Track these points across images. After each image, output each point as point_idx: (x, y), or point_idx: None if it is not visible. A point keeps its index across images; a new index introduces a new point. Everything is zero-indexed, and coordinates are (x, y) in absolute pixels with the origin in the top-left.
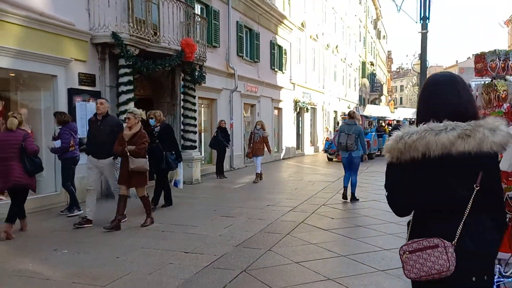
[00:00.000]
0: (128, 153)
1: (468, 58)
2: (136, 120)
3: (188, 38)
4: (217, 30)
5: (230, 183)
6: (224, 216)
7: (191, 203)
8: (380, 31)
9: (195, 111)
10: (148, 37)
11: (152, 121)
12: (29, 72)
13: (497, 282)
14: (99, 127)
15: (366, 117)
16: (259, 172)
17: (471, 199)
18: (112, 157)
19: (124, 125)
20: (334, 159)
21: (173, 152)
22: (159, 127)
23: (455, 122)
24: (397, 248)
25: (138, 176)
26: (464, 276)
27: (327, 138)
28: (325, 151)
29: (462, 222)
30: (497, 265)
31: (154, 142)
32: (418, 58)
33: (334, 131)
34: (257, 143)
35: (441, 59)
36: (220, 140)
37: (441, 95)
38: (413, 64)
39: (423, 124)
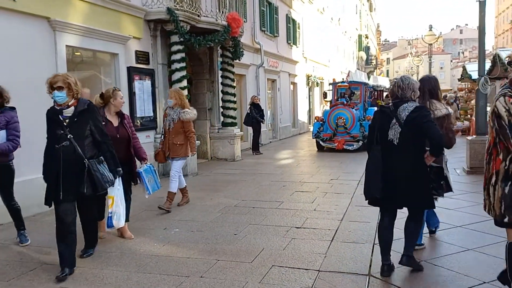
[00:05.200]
0: None
1: (452, 29)
2: None
3: (234, 13)
4: (245, 5)
5: (271, 159)
6: (299, 191)
7: (253, 180)
8: (372, 4)
9: (234, 87)
10: (197, 12)
11: (59, 95)
12: (94, 50)
13: None
14: None
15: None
16: (183, 188)
17: None
18: None
19: None
20: (326, 147)
21: (102, 157)
22: (73, 108)
23: None
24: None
25: None
26: None
27: (316, 117)
28: (315, 135)
29: None
30: None
31: (64, 137)
32: (429, 29)
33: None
34: (171, 133)
35: (416, 31)
36: (255, 116)
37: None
38: (424, 35)
39: None
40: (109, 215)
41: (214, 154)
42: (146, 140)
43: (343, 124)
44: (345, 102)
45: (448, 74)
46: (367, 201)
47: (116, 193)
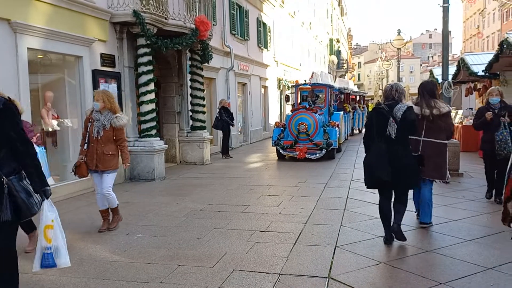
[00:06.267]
0: None
1: (422, 34)
2: None
3: (202, 16)
4: (214, 8)
5: (240, 163)
6: (266, 195)
7: (221, 183)
8: (343, 8)
9: (203, 90)
10: (165, 15)
11: None
12: (57, 53)
13: None
14: None
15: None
16: (115, 207)
17: None
18: None
19: None
20: (287, 156)
21: (24, 172)
22: None
23: None
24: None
25: None
26: None
27: (276, 123)
28: (275, 143)
29: None
30: None
31: None
32: (397, 33)
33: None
34: (99, 142)
35: (385, 35)
36: (225, 119)
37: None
38: (392, 40)
39: None
40: (46, 251)
41: (183, 158)
42: None
43: (305, 131)
44: (308, 106)
45: (418, 78)
46: (366, 186)
47: (54, 219)
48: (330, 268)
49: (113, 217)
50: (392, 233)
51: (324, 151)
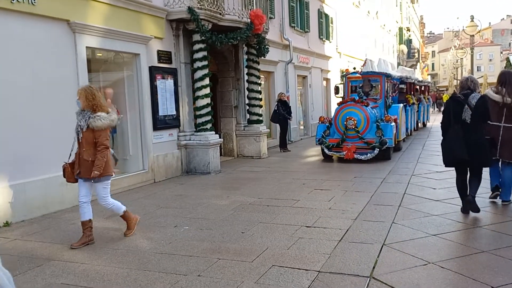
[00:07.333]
0: None
1: (502, 19)
2: None
3: (257, 10)
4: (272, 1)
5: (297, 157)
6: (318, 189)
7: (274, 177)
8: None
9: (260, 84)
10: (220, 10)
11: None
12: (115, 51)
13: None
14: None
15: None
16: (123, 214)
17: None
18: None
19: None
20: (335, 156)
21: None
22: None
23: None
24: None
25: None
26: None
27: (321, 118)
28: (320, 141)
29: None
30: None
31: None
32: (470, 19)
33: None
34: (81, 146)
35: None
36: (282, 113)
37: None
38: (465, 26)
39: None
40: None
41: (240, 152)
42: (169, 138)
43: (353, 127)
44: (357, 98)
45: (498, 66)
46: (444, 165)
47: None
48: (374, 267)
49: (127, 225)
50: (467, 204)
51: (377, 150)
